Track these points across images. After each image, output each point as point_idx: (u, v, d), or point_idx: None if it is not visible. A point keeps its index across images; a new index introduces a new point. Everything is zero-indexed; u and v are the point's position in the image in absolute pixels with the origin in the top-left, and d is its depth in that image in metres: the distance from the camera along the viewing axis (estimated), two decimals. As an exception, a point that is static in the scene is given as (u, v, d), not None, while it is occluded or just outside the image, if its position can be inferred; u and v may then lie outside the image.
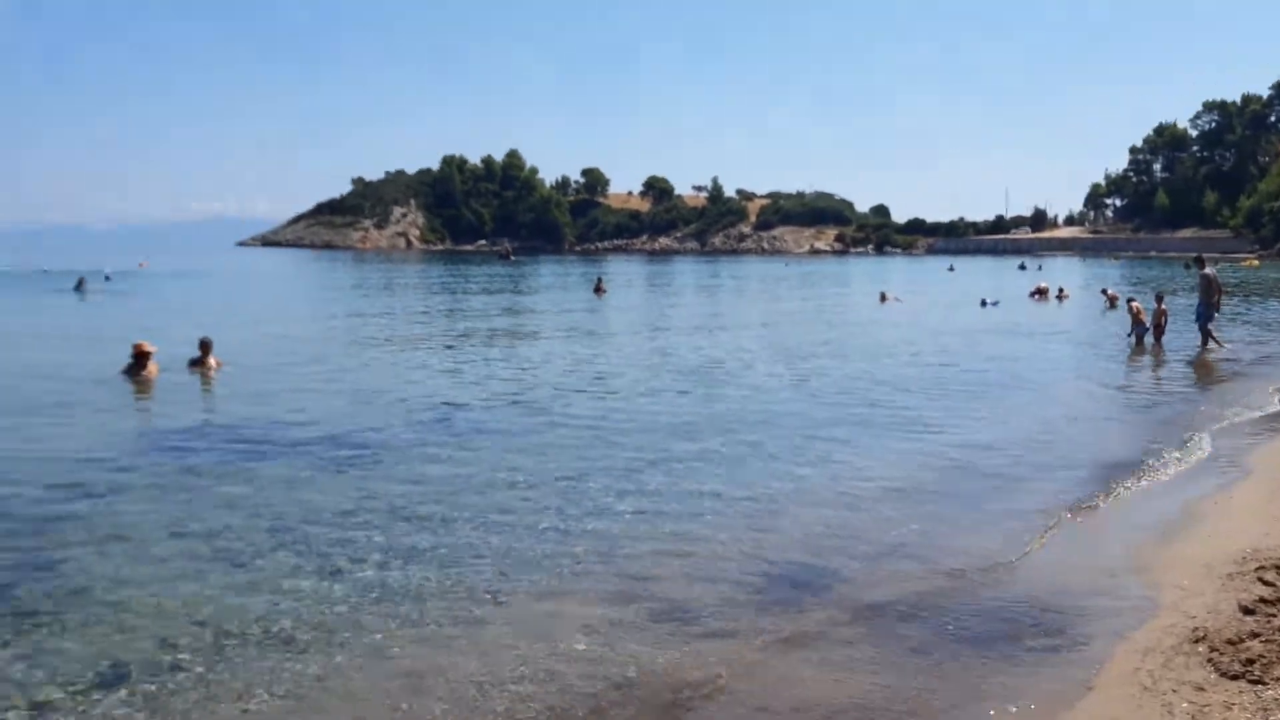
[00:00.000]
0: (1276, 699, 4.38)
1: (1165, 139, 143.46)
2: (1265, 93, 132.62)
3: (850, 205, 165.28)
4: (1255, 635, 5.11)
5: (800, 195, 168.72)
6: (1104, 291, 34.94)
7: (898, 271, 74.63)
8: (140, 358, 15.59)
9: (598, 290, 43.22)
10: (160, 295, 41.83)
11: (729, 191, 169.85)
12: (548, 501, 8.57)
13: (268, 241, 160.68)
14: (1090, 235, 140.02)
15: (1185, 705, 4.48)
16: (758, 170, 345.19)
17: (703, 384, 15.87)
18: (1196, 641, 5.16)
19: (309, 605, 6.21)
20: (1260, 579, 6.03)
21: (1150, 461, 10.17)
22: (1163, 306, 22.00)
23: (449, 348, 21.54)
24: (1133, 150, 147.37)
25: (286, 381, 15.69)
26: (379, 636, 5.77)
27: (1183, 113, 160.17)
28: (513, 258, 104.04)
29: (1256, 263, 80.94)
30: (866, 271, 79.32)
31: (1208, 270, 21.60)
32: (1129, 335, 21.80)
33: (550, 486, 9.09)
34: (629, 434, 11.53)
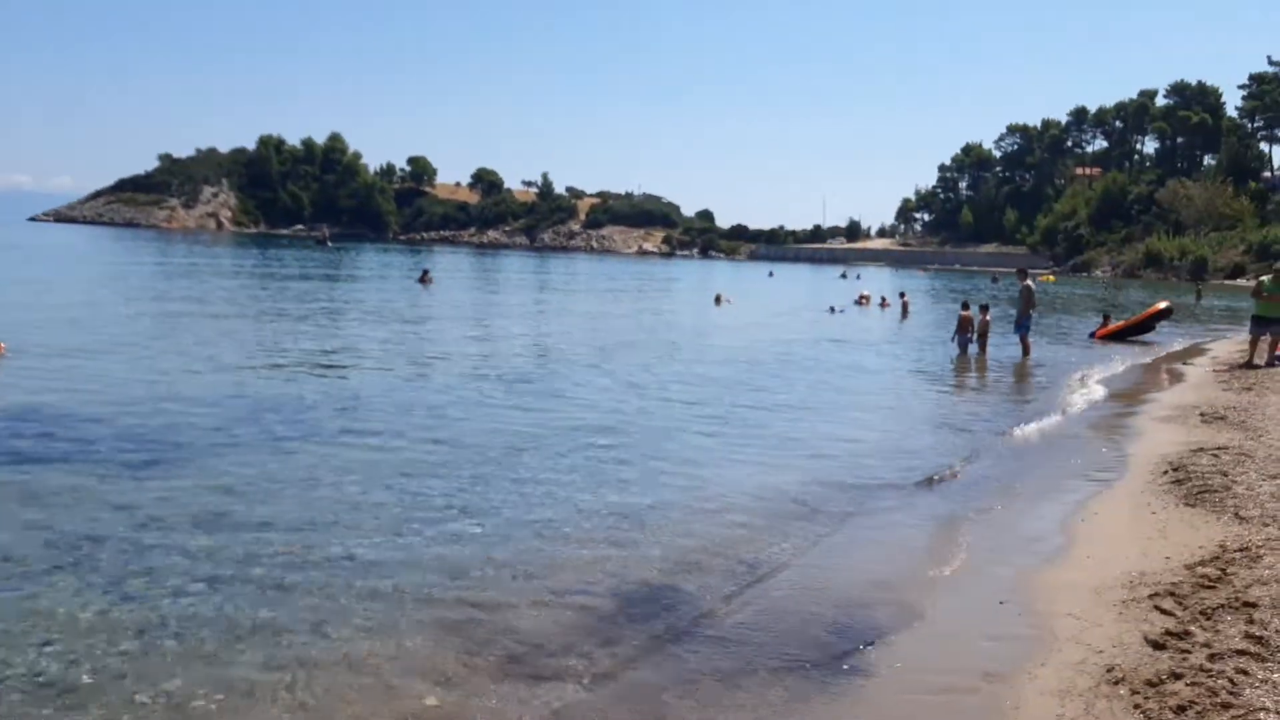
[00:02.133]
0: (1223, 756, 3.95)
1: (972, 158, 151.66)
2: (1064, 119, 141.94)
3: (677, 209, 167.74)
4: (1176, 676, 4.71)
5: (629, 196, 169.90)
6: (901, 296, 36.91)
7: (723, 275, 75.56)
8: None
9: (423, 280, 41.87)
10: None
11: (559, 188, 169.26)
12: (379, 516, 7.58)
13: (62, 218, 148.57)
14: (901, 247, 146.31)
15: (1125, 764, 4.01)
16: (588, 169, 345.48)
17: (541, 390, 15.03)
18: (1115, 683, 4.72)
19: (94, 644, 5.10)
20: (1157, 608, 5.70)
21: (1002, 476, 10.01)
22: (987, 317, 22.55)
23: (256, 337, 19.91)
24: (942, 168, 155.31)
25: (76, 371, 13.94)
26: (177, 684, 4.73)
27: (989, 134, 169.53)
28: (330, 244, 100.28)
29: (1052, 278, 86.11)
30: (694, 274, 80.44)
31: (1028, 282, 22.33)
32: (952, 341, 22.27)
33: (381, 498, 8.09)
34: (464, 439, 10.62)
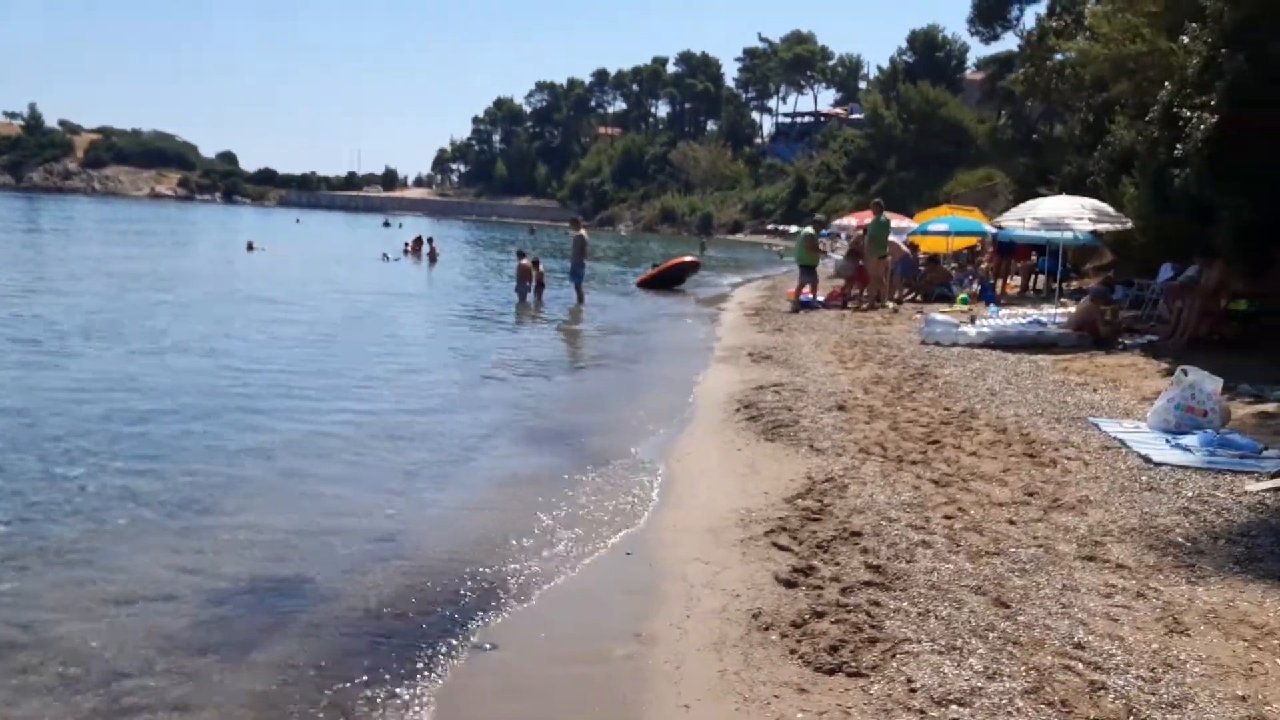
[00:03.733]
0: (889, 694, 3.92)
1: (503, 112, 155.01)
2: (587, 79, 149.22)
3: (195, 149, 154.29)
4: (818, 615, 4.70)
5: (137, 133, 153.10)
6: (429, 241, 37.69)
7: (249, 222, 70.60)
8: None
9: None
10: None
11: (51, 121, 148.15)
12: None
13: None
14: (439, 198, 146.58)
15: (801, 717, 3.86)
16: (87, 102, 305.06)
17: (45, 354, 12.74)
18: (765, 629, 4.62)
19: None
20: (775, 544, 5.76)
21: (583, 425, 9.95)
22: (540, 268, 22.95)
23: None
24: (475, 120, 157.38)
25: None
26: None
27: (520, 89, 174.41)
28: None
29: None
30: (219, 219, 74.66)
31: (582, 232, 22.92)
32: (516, 291, 22.41)
33: None
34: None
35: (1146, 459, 7.30)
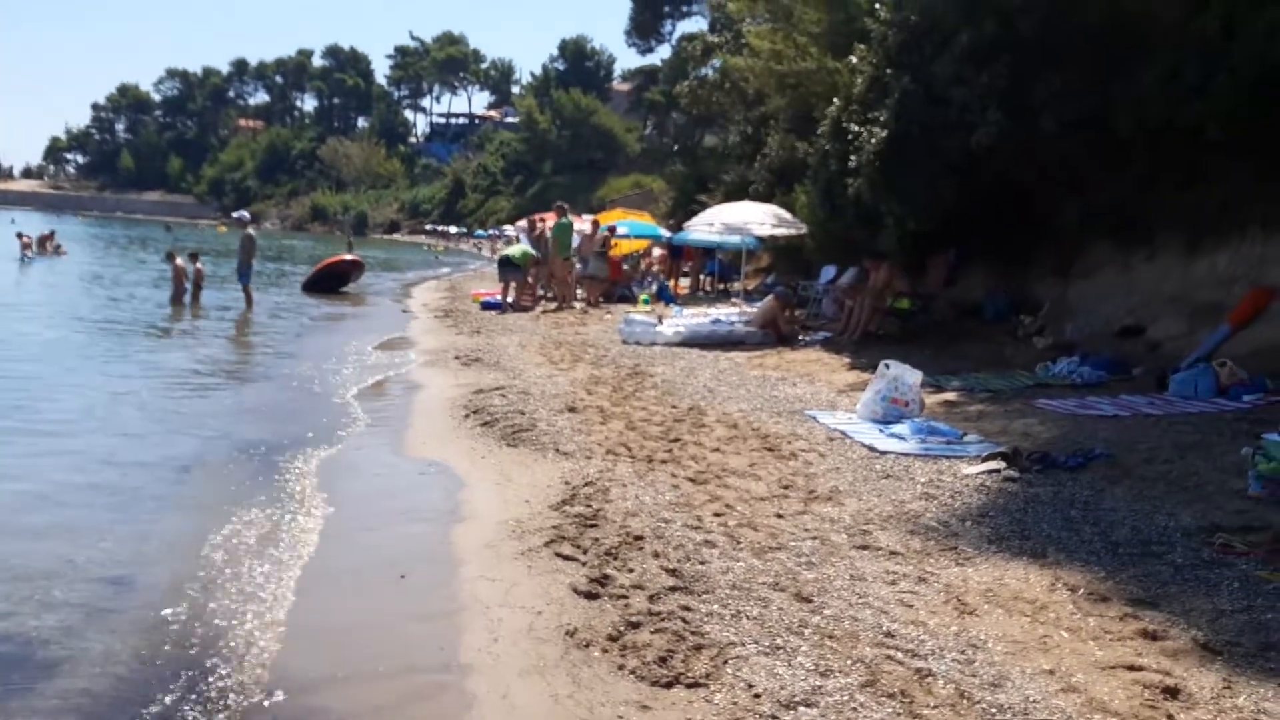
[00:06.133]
0: (735, 701, 3.85)
1: (128, 100, 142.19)
2: (225, 68, 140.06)
3: None
4: (634, 625, 4.55)
5: None
6: (20, 236, 32.84)
7: None
8: None
9: None
10: None
11: None
12: None
13: None
14: (53, 191, 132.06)
15: (654, 736, 3.70)
16: None
17: None
18: (585, 647, 4.40)
19: None
20: (558, 554, 5.54)
21: (298, 440, 9.21)
22: (199, 265, 21.19)
23: None
24: (95, 107, 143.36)
25: None
26: None
27: (147, 76, 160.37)
28: None
29: (224, 228, 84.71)
30: None
31: (249, 231, 21.42)
32: (171, 296, 20.46)
33: None
34: None
35: (871, 448, 7.82)
